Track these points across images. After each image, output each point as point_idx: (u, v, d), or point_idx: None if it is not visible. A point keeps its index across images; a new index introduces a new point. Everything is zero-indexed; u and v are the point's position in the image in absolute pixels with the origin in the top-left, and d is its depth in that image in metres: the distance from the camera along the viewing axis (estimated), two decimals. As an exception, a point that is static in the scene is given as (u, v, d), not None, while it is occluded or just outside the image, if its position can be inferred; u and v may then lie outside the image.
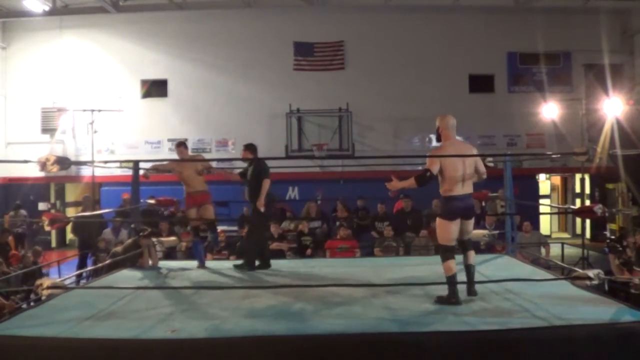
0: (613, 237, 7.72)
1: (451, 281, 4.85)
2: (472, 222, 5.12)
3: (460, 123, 14.33)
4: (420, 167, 7.68)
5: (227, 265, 7.39)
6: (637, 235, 8.30)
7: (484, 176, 5.13)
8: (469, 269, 5.07)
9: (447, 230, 4.97)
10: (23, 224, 12.74)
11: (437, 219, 5.06)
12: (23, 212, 13.59)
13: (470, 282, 4.98)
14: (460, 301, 4.79)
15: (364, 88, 14.69)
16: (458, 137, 5.25)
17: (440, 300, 4.85)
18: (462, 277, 5.05)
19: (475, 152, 5.17)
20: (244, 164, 11.81)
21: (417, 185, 4.87)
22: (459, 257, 5.11)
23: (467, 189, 4.98)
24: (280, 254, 9.28)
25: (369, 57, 14.92)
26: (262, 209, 6.85)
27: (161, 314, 4.70)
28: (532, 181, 15.43)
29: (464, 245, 5.13)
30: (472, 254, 5.14)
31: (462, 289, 4.99)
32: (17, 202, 13.88)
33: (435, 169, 4.87)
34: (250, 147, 7.33)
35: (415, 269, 6.70)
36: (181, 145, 7.44)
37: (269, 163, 11.64)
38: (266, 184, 6.92)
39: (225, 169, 9.27)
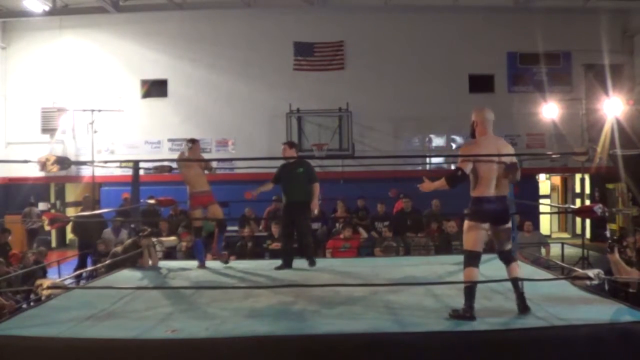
0: (614, 237, 7.70)
1: (468, 292, 4.35)
2: (506, 229, 4.59)
3: (460, 123, 14.50)
4: (419, 167, 7.77)
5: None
6: (637, 235, 8.29)
7: (518, 178, 4.62)
8: (515, 284, 4.49)
9: (473, 234, 4.48)
10: (37, 220, 12.82)
11: (465, 221, 4.61)
12: (37, 209, 13.70)
13: (520, 298, 4.42)
14: (475, 317, 4.30)
15: (364, 88, 14.69)
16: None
17: (454, 314, 4.36)
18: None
19: (512, 150, 4.73)
20: (244, 164, 11.92)
21: (448, 187, 4.50)
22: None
23: (502, 190, 4.50)
24: (280, 254, 9.28)
25: (369, 57, 14.92)
26: (316, 211, 7.19)
27: (161, 314, 4.70)
28: (532, 181, 15.43)
29: (504, 257, 4.62)
30: (515, 266, 4.57)
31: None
32: (30, 200, 14.09)
33: (467, 168, 4.45)
34: (295, 145, 7.54)
35: (415, 269, 6.71)
36: (197, 142, 7.24)
37: (269, 163, 11.77)
38: (318, 187, 7.08)
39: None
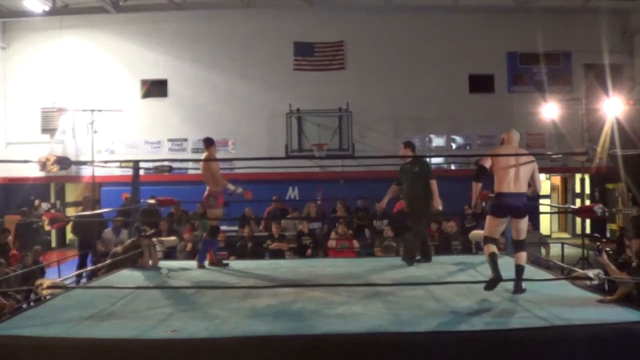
0: (603, 239, 7.76)
1: (491, 262, 5.13)
2: (524, 221, 5.26)
3: (460, 123, 14.43)
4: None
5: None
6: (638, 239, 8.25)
7: (538, 191, 5.40)
8: (518, 269, 5.19)
9: (492, 226, 5.28)
10: (38, 220, 12.88)
11: (487, 215, 5.37)
12: (43, 207, 13.86)
13: (517, 280, 5.14)
14: (501, 277, 5.01)
15: (364, 88, 14.68)
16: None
17: (489, 283, 5.03)
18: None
19: (531, 160, 5.34)
20: (245, 164, 11.91)
21: (477, 182, 5.40)
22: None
23: (519, 188, 5.16)
24: (280, 254, 9.29)
25: (369, 57, 14.91)
26: (440, 207, 7.08)
27: (161, 314, 4.70)
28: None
29: (516, 245, 5.33)
30: (523, 255, 5.25)
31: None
32: (33, 200, 14.23)
33: (486, 163, 5.25)
34: (410, 145, 7.51)
35: (416, 269, 6.72)
36: (211, 141, 7.38)
37: (269, 163, 11.79)
38: (435, 184, 7.08)
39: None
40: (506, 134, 5.55)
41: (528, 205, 5.35)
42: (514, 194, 5.15)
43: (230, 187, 7.14)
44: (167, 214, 11.13)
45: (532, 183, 5.31)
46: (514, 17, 14.83)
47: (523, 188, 5.21)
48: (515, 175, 5.15)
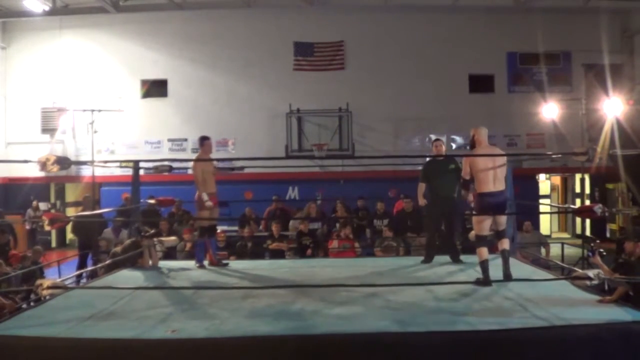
0: (598, 239, 7.79)
1: (483, 266, 5.48)
2: (503, 215, 5.68)
3: (460, 123, 14.46)
4: (419, 167, 7.80)
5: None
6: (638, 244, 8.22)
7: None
8: (503, 254, 5.59)
9: (481, 223, 5.63)
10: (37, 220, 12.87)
11: (474, 215, 5.84)
12: (42, 207, 14.00)
13: (505, 264, 5.53)
14: (491, 283, 5.36)
15: (364, 88, 14.69)
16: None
17: (477, 282, 5.43)
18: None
19: (504, 159, 5.71)
20: (245, 164, 11.92)
21: (467, 191, 5.96)
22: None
23: (499, 186, 5.53)
24: (280, 254, 9.29)
25: (369, 57, 14.92)
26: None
27: (161, 314, 4.70)
28: (532, 181, 15.44)
29: (498, 234, 5.72)
30: (506, 241, 5.69)
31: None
32: (34, 199, 14.40)
33: (466, 174, 5.63)
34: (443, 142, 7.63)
35: (416, 269, 6.72)
36: (207, 140, 7.35)
37: (269, 163, 11.79)
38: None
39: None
40: (475, 130, 5.75)
41: (507, 201, 5.89)
42: (496, 193, 5.51)
43: (204, 196, 7.04)
44: (167, 214, 11.13)
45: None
46: (514, 17, 14.84)
47: (502, 186, 5.58)
48: (494, 175, 5.51)
